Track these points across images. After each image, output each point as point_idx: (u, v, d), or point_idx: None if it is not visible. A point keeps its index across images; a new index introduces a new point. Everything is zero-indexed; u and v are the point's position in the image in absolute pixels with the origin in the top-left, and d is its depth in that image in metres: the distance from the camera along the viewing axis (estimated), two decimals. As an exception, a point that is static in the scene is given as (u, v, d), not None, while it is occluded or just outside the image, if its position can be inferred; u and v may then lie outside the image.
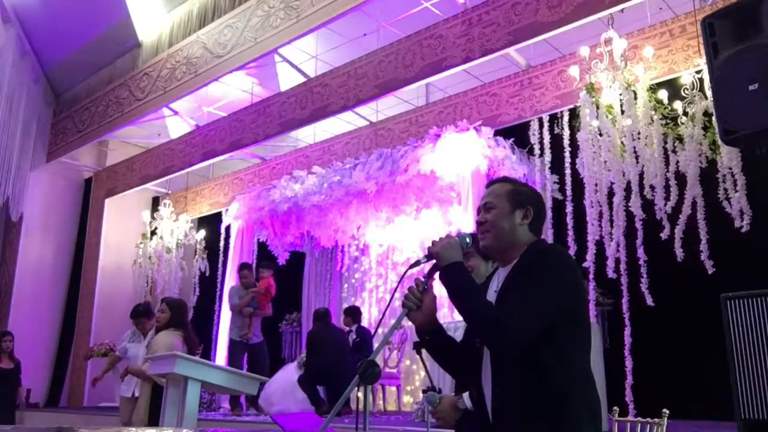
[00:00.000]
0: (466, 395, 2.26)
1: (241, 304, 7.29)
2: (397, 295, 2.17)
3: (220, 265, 9.36)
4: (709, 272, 4.85)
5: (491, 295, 1.82)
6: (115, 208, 10.64)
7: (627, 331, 5.29)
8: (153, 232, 10.05)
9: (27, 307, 10.04)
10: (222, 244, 9.41)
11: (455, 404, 2.30)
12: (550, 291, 1.69)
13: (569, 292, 1.74)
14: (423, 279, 1.85)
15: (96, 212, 10.68)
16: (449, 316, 5.66)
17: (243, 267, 7.71)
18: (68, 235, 10.96)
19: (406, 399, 8.07)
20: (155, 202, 11.06)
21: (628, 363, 5.22)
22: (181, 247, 9.88)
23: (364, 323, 8.73)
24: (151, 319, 5.42)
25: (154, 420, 4.31)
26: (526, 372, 1.68)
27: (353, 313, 7.76)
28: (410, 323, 1.91)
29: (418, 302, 1.83)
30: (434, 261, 1.83)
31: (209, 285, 9.60)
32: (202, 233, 9.93)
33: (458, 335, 2.08)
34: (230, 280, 8.99)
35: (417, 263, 1.89)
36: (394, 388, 8.03)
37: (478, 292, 1.80)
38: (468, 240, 1.89)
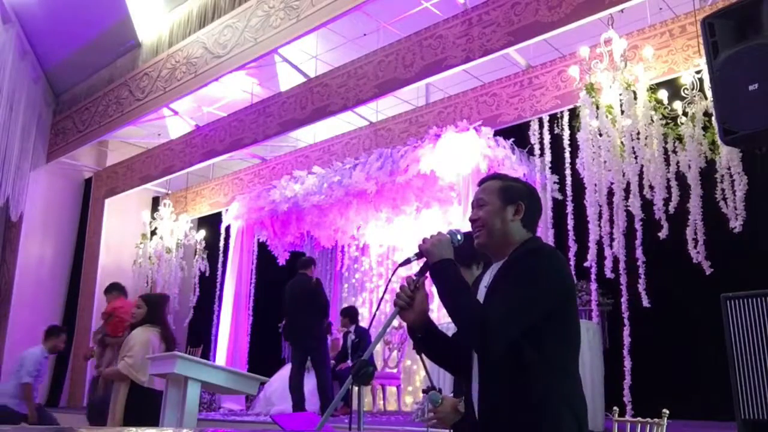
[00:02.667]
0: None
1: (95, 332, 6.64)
2: (389, 294, 2.16)
3: (220, 265, 9.35)
4: (709, 272, 4.85)
5: (482, 291, 1.82)
6: (115, 208, 10.63)
7: (626, 331, 5.28)
8: (153, 232, 10.05)
9: (27, 307, 10.04)
10: (222, 244, 9.41)
11: (456, 406, 2.29)
12: (535, 292, 1.69)
13: (555, 292, 1.73)
14: (415, 277, 1.84)
15: (96, 212, 10.67)
16: (448, 316, 5.66)
17: None
18: (68, 235, 10.95)
19: (406, 399, 8.07)
20: (155, 202, 11.06)
21: (635, 363, 5.21)
22: (181, 247, 9.89)
23: (365, 323, 8.74)
24: None
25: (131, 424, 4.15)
26: (509, 369, 1.69)
27: (350, 314, 7.76)
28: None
29: (409, 300, 1.82)
30: (425, 258, 1.82)
31: (209, 285, 9.60)
32: (202, 233, 9.93)
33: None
34: (230, 280, 9.00)
35: (407, 261, 1.88)
36: (394, 388, 8.04)
37: (465, 290, 1.78)
38: (459, 237, 1.88)
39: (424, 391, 2.41)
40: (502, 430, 1.69)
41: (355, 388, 1.73)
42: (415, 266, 1.93)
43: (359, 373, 1.64)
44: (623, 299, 5.29)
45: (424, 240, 1.83)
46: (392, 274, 2.11)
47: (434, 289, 1.86)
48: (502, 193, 1.88)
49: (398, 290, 1.85)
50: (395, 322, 6.93)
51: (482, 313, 1.68)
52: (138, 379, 4.20)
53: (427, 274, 1.84)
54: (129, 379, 4.23)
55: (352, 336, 7.53)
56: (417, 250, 1.85)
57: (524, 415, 1.66)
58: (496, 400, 1.71)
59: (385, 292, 2.27)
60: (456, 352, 1.92)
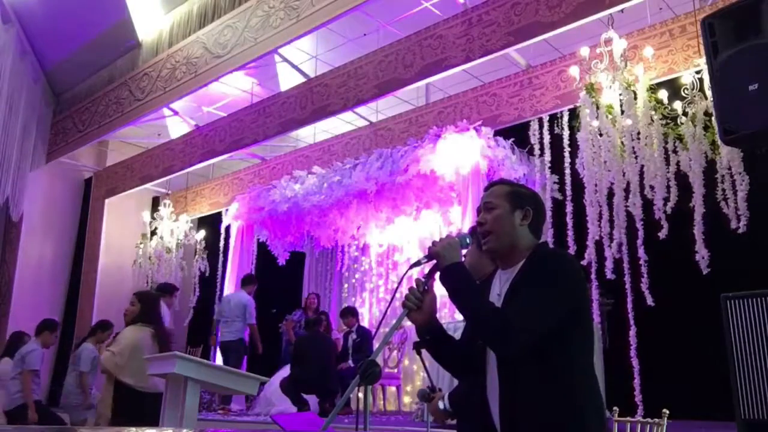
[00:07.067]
0: (445, 397, 2.29)
1: None
2: (397, 295, 2.17)
3: (220, 265, 9.36)
4: (709, 272, 4.85)
5: (494, 299, 1.83)
6: (115, 208, 10.63)
7: (632, 332, 5.29)
8: (153, 232, 10.05)
9: (27, 307, 10.03)
10: (222, 244, 9.41)
11: (436, 405, 2.32)
12: (557, 295, 1.71)
13: (575, 296, 1.76)
14: (423, 279, 1.85)
15: (96, 212, 10.67)
16: (449, 317, 5.66)
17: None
18: (68, 235, 10.96)
19: (406, 399, 8.07)
20: (155, 202, 11.06)
21: (635, 363, 5.23)
22: (181, 247, 9.88)
23: (364, 323, 8.74)
24: None
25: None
26: (535, 374, 1.70)
27: (352, 314, 7.75)
28: (410, 323, 1.91)
29: (418, 302, 1.83)
30: (435, 261, 1.83)
31: (209, 285, 9.59)
32: (202, 233, 9.93)
33: (458, 335, 2.08)
34: (230, 280, 9.00)
35: (417, 263, 1.89)
36: (394, 388, 8.03)
37: (479, 292, 1.80)
38: (468, 240, 1.89)
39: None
40: (527, 430, 1.70)
41: (362, 388, 1.73)
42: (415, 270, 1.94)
43: (366, 373, 1.65)
44: (629, 299, 5.29)
45: (434, 243, 1.84)
46: (403, 276, 2.12)
47: (440, 291, 1.86)
48: (510, 198, 1.88)
49: (407, 292, 1.85)
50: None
51: (502, 315, 1.69)
52: (121, 378, 4.08)
53: (435, 275, 1.84)
54: (113, 377, 4.12)
55: (353, 336, 7.52)
56: (427, 253, 1.85)
57: (551, 414, 1.68)
58: (521, 403, 1.71)
59: (394, 293, 2.28)
60: (462, 355, 1.93)
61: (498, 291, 1.84)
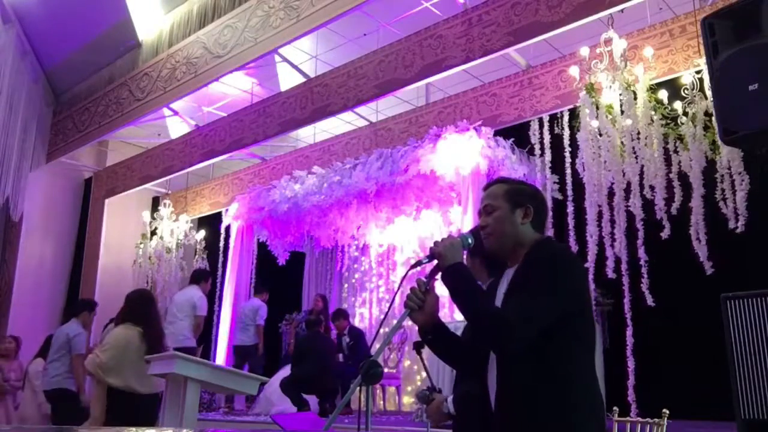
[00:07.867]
0: (450, 399, 2.29)
1: None
2: (397, 298, 2.16)
3: (220, 265, 9.35)
4: (709, 272, 4.85)
5: (500, 296, 1.83)
6: (115, 208, 10.63)
7: (629, 332, 5.29)
8: (153, 232, 10.05)
9: (27, 307, 10.03)
10: (222, 244, 9.41)
11: (439, 406, 2.31)
12: (557, 292, 1.71)
13: (576, 293, 1.76)
14: (425, 279, 1.85)
15: (96, 212, 10.67)
16: (449, 316, 5.66)
17: None
18: (68, 235, 10.95)
19: (406, 399, 8.07)
20: (155, 202, 11.06)
21: (630, 363, 5.23)
22: (181, 247, 9.88)
23: (364, 324, 8.75)
24: None
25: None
26: (532, 371, 1.70)
27: (345, 316, 7.73)
28: (410, 323, 1.91)
29: (420, 302, 1.83)
30: (436, 261, 1.83)
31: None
32: (202, 233, 9.93)
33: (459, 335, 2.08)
34: (230, 280, 9.00)
35: (419, 263, 1.89)
36: (393, 388, 8.04)
37: (480, 292, 1.80)
38: (470, 240, 1.89)
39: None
40: (525, 427, 1.70)
41: (362, 389, 1.72)
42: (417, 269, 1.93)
43: (368, 373, 1.65)
44: (626, 299, 5.30)
45: (436, 243, 1.84)
46: (404, 277, 2.12)
47: (441, 291, 1.86)
48: (509, 197, 1.88)
49: (409, 292, 1.86)
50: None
51: (502, 314, 1.70)
52: (105, 381, 4.05)
53: (437, 276, 1.84)
54: (102, 381, 4.08)
55: (346, 339, 7.51)
56: (428, 253, 1.86)
57: (549, 415, 1.68)
58: (518, 400, 1.72)
59: (395, 294, 2.27)
60: (466, 352, 1.93)
61: (504, 290, 1.84)
